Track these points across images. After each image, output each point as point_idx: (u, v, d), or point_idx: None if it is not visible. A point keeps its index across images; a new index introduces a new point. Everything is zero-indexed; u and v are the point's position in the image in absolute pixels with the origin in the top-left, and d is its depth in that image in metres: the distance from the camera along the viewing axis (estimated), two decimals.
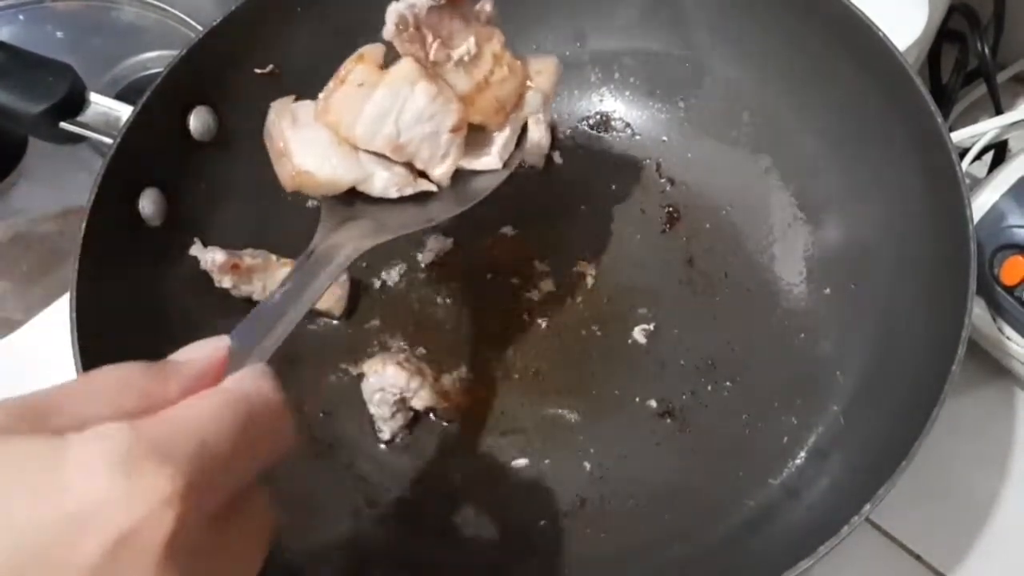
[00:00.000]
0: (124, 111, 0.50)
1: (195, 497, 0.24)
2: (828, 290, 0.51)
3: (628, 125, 0.58)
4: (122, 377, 0.27)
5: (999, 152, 0.60)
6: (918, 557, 0.49)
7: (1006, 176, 0.51)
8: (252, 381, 0.28)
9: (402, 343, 0.53)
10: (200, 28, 0.51)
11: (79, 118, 0.50)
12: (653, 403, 0.50)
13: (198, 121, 0.51)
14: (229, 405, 0.26)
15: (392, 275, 0.55)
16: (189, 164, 0.51)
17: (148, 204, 0.49)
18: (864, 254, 0.50)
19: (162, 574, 0.23)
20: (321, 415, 0.51)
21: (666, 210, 0.56)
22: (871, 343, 0.48)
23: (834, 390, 0.48)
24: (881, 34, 0.46)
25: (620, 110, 0.58)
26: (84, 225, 0.46)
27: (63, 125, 0.49)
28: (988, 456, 0.52)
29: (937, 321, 0.43)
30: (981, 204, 0.50)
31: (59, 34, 0.59)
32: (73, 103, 0.49)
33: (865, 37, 0.47)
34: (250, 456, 0.27)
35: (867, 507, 0.37)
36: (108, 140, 0.49)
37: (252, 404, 0.27)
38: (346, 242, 0.38)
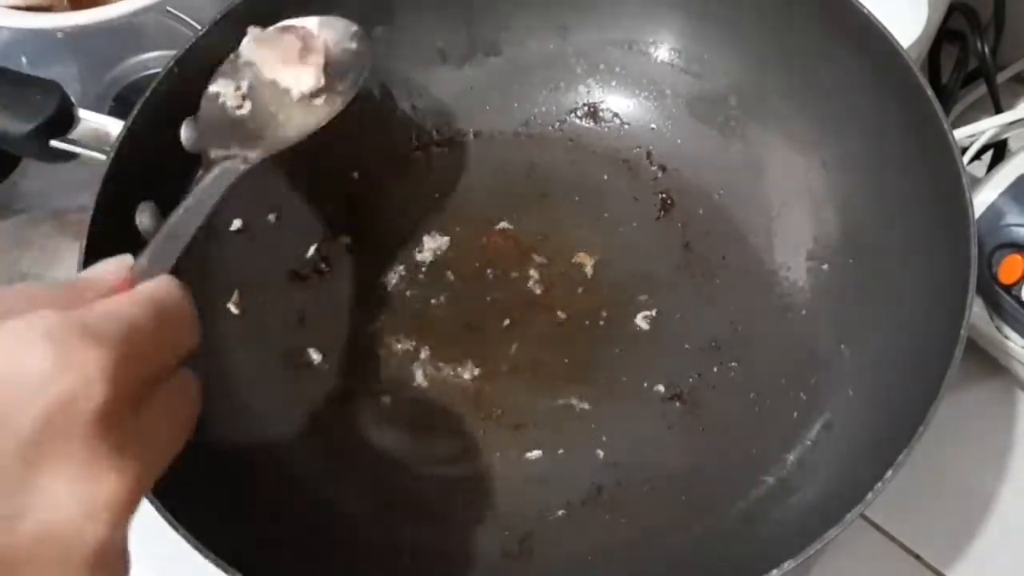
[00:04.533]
0: (114, 126, 0.49)
1: (123, 372, 0.25)
2: (826, 266, 0.52)
3: (616, 115, 0.58)
4: (41, 288, 0.28)
5: (998, 151, 0.60)
6: (917, 556, 0.50)
7: (1005, 175, 0.52)
8: (162, 284, 0.30)
9: (407, 344, 0.53)
10: (199, 27, 0.51)
11: (69, 135, 0.49)
12: (661, 387, 0.51)
13: (189, 132, 0.51)
14: (147, 299, 0.28)
15: (391, 278, 0.55)
16: (183, 176, 0.51)
17: (145, 218, 0.49)
18: (862, 236, 0.50)
19: (93, 444, 0.24)
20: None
21: (659, 197, 0.56)
22: (872, 314, 0.48)
23: (840, 364, 0.48)
24: (880, 25, 0.46)
25: (607, 100, 0.59)
26: (84, 243, 0.45)
27: (53, 143, 0.48)
28: (986, 455, 0.53)
29: (936, 317, 0.43)
30: (980, 203, 0.51)
31: (59, 33, 0.58)
32: (62, 121, 0.48)
33: (863, 29, 0.47)
34: (168, 344, 0.29)
35: (889, 473, 0.38)
36: (100, 156, 0.48)
37: (165, 301, 0.29)
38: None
